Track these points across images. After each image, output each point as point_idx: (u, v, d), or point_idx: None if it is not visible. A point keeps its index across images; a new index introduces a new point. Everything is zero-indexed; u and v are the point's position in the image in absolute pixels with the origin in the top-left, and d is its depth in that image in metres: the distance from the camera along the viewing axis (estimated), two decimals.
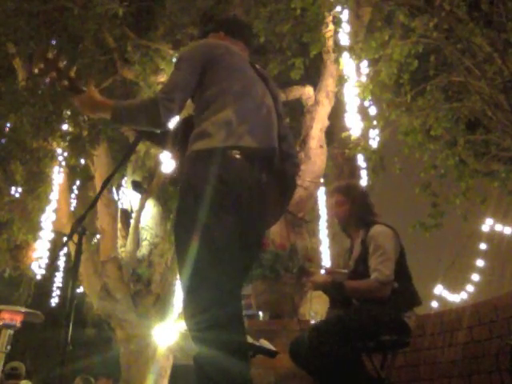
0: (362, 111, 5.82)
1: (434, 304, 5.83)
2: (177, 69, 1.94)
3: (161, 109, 1.81)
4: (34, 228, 6.75)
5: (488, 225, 5.90)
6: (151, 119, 1.85)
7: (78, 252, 2.21)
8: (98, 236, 7.71)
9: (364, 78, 5.62)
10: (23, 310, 5.22)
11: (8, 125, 6.26)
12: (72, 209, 7.60)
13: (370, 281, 2.69)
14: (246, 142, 1.79)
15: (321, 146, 6.20)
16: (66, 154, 6.57)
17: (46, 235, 6.79)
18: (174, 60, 6.21)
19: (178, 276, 6.15)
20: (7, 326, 4.92)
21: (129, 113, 1.88)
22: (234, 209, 1.73)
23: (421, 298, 2.85)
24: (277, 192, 1.90)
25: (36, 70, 1.87)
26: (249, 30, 2.37)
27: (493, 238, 5.91)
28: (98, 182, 7.10)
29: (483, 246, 5.91)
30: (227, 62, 1.95)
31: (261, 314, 4.93)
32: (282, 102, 2.14)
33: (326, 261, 7.09)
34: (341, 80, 5.94)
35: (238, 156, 1.76)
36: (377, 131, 5.73)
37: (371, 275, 2.70)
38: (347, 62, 5.72)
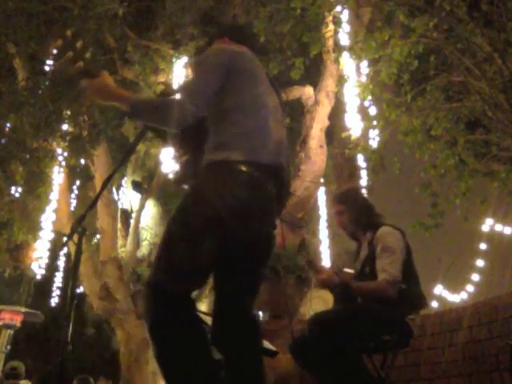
0: (362, 111, 5.82)
1: (434, 304, 5.84)
2: (199, 72, 1.92)
3: (184, 111, 1.80)
4: (34, 228, 6.75)
5: (488, 225, 5.90)
6: (170, 120, 1.83)
7: (78, 252, 2.20)
8: (98, 236, 7.71)
9: (364, 78, 5.62)
10: (23, 309, 5.23)
11: (8, 125, 6.25)
12: (72, 209, 7.60)
13: (378, 282, 2.67)
14: (260, 158, 1.80)
15: (321, 146, 6.20)
16: (66, 154, 6.57)
17: (46, 235, 6.79)
18: (174, 60, 6.22)
19: None
20: (7, 326, 4.93)
21: (148, 110, 1.87)
22: (236, 217, 1.73)
23: (426, 299, 2.84)
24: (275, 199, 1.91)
25: (55, 50, 1.85)
26: (252, 35, 2.36)
27: (493, 237, 5.91)
28: (98, 182, 7.10)
29: (483, 246, 5.91)
30: (249, 72, 1.95)
31: (261, 314, 4.93)
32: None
33: (326, 261, 7.09)
34: (341, 80, 5.94)
35: (248, 170, 1.77)
36: (377, 131, 5.73)
37: (379, 276, 2.68)
38: (347, 62, 5.72)
